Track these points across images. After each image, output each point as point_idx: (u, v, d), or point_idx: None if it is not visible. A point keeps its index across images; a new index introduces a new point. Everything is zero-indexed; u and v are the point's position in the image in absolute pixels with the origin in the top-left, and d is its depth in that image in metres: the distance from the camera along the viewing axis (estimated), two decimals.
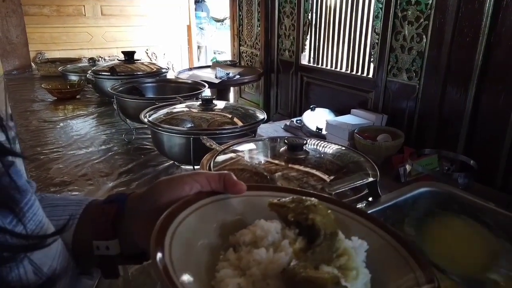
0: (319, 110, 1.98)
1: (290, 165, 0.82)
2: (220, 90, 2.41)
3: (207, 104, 1.27)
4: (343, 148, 1.01)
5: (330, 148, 1.01)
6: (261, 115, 1.30)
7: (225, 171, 0.50)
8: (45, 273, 0.40)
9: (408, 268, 0.43)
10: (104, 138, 1.65)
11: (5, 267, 0.34)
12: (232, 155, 0.89)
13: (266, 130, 1.97)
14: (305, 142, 0.88)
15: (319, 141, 1.05)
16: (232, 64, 2.68)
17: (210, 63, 3.57)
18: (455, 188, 0.77)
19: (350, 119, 1.73)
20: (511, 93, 1.27)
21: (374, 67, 1.78)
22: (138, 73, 2.06)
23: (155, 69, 2.13)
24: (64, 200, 0.52)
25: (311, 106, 1.96)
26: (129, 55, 2.21)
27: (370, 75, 1.83)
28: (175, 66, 4.26)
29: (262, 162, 0.86)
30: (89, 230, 0.48)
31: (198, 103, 1.33)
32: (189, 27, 4.57)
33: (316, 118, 1.90)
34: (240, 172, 0.81)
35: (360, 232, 0.48)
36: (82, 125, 1.83)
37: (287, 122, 1.97)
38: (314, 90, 2.25)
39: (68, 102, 2.24)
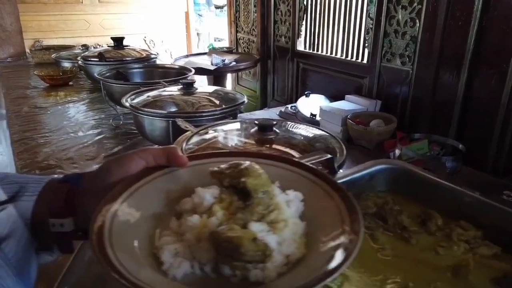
0: (314, 96, 1.99)
1: (260, 146, 0.84)
2: (216, 77, 2.41)
3: (187, 88, 1.29)
4: (314, 128, 1.05)
5: (301, 129, 1.04)
6: (241, 99, 1.31)
7: (171, 145, 0.54)
8: None
9: (339, 217, 0.46)
10: (93, 123, 1.69)
11: None
12: (207, 136, 0.92)
13: (262, 116, 1.97)
14: (274, 123, 0.91)
15: (290, 123, 1.08)
16: (228, 50, 2.67)
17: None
18: (412, 166, 0.79)
19: (344, 105, 1.73)
20: (502, 77, 1.27)
21: (369, 53, 1.77)
22: (127, 58, 2.08)
23: (144, 55, 2.14)
24: (25, 178, 0.55)
25: (305, 92, 1.97)
26: (118, 41, 2.23)
27: (365, 61, 1.83)
28: (174, 53, 4.25)
29: (236, 143, 0.88)
30: (45, 207, 0.51)
31: (180, 87, 1.35)
32: (187, 14, 4.54)
33: (311, 104, 1.90)
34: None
35: (300, 183, 0.52)
36: (73, 111, 1.87)
37: (282, 109, 1.97)
38: (310, 76, 2.25)
39: (61, 88, 2.28)
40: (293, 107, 1.92)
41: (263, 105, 2.72)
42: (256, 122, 0.91)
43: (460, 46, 1.36)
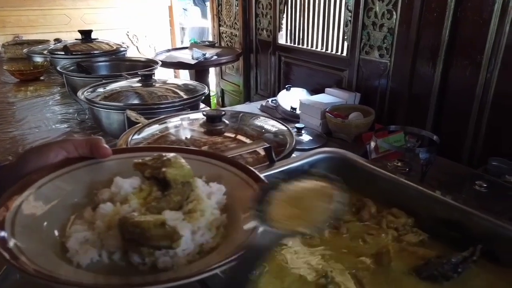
0: (294, 90, 1.98)
1: (210, 136, 0.84)
2: (199, 71, 2.39)
3: (146, 79, 1.27)
4: (270, 120, 1.06)
5: (256, 120, 1.05)
6: (202, 90, 1.30)
7: (94, 136, 0.54)
8: None
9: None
10: (59, 118, 1.67)
11: None
12: (158, 129, 0.91)
13: (243, 110, 1.96)
14: (223, 113, 0.92)
15: (247, 114, 1.08)
16: (210, 44, 2.64)
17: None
18: (352, 154, 0.79)
19: (324, 98, 1.73)
20: (477, 68, 1.28)
21: (348, 45, 1.77)
22: (94, 52, 2.05)
23: (114, 48, 2.11)
24: None
25: (286, 86, 1.96)
26: (85, 34, 2.20)
27: (344, 54, 1.83)
28: (157, 48, 4.19)
29: (186, 135, 0.88)
30: None
31: (139, 79, 1.34)
32: (170, 8, 4.49)
33: (292, 97, 1.90)
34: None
35: (224, 177, 0.56)
36: (40, 106, 1.84)
37: (263, 103, 1.96)
38: (292, 69, 2.24)
39: (31, 83, 2.24)
40: (273, 101, 1.91)
41: (247, 99, 2.70)
42: (204, 113, 0.91)
43: (435, 38, 1.37)
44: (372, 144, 1.26)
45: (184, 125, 0.97)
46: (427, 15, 1.38)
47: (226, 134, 0.90)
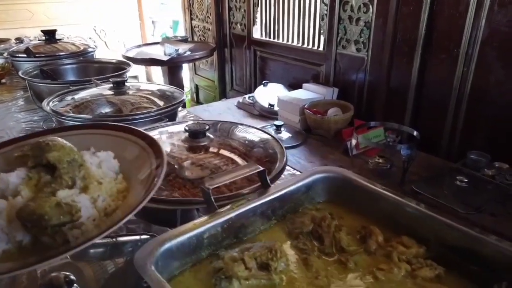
0: (272, 86, 1.94)
1: (194, 153, 0.79)
2: (171, 67, 2.31)
3: (118, 87, 1.19)
4: (255, 130, 0.99)
5: (241, 131, 0.98)
6: (180, 97, 1.22)
7: None
8: None
9: (148, 159, 0.56)
10: (23, 127, 1.54)
11: None
12: None
13: (219, 107, 1.91)
14: (207, 128, 0.84)
15: (229, 124, 1.02)
16: (183, 39, 2.56)
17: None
18: (352, 174, 0.73)
19: (302, 93, 1.70)
20: (453, 61, 1.28)
21: (324, 40, 1.74)
22: (60, 53, 1.92)
23: (81, 49, 1.98)
24: None
25: (263, 82, 1.92)
26: (49, 34, 2.05)
27: (321, 48, 1.80)
28: (127, 43, 4.04)
29: (168, 150, 0.82)
30: None
31: (110, 86, 1.25)
32: (139, 1, 4.33)
33: (269, 93, 1.86)
34: None
35: (112, 143, 0.59)
36: (2, 113, 1.69)
37: (240, 99, 1.91)
38: (268, 64, 2.20)
39: None
40: (251, 98, 1.87)
41: (222, 95, 2.64)
42: (186, 128, 0.84)
43: (412, 32, 1.36)
44: (353, 141, 1.24)
45: (163, 140, 0.89)
46: (403, 9, 1.37)
47: (212, 149, 0.83)
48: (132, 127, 0.62)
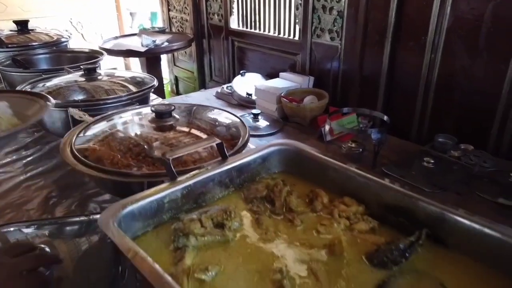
0: (249, 75, 1.96)
1: (161, 132, 0.82)
2: (150, 58, 2.30)
3: (89, 73, 1.21)
4: (221, 112, 1.03)
5: (208, 113, 1.03)
6: (151, 82, 1.25)
7: None
8: None
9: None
10: None
11: None
12: (107, 126, 0.88)
13: (198, 98, 1.92)
14: (172, 108, 0.88)
15: (193, 106, 1.05)
16: (160, 30, 2.54)
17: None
18: (305, 146, 0.80)
19: (278, 82, 1.73)
20: (422, 48, 1.32)
21: (300, 29, 1.77)
22: (33, 43, 1.90)
23: (55, 39, 1.97)
24: None
25: (241, 72, 1.93)
26: (22, 25, 2.03)
27: (297, 37, 1.82)
28: (104, 35, 3.98)
29: (136, 131, 0.85)
30: None
31: (82, 73, 1.27)
32: None
33: (247, 83, 1.88)
34: (118, 144, 0.79)
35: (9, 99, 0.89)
36: None
37: (219, 89, 1.93)
38: (246, 54, 2.22)
39: None
40: (229, 87, 1.89)
41: (202, 86, 2.65)
42: (152, 108, 0.88)
43: (382, 20, 1.39)
44: (327, 127, 1.28)
45: (134, 121, 0.92)
46: None
47: (179, 128, 0.87)
48: (22, 90, 0.83)
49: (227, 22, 2.24)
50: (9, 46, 1.83)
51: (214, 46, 2.46)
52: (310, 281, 0.53)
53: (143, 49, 2.13)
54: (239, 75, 1.94)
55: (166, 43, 2.26)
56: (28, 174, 1.09)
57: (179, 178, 0.65)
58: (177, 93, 3.01)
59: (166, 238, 0.60)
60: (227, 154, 0.72)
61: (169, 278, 0.43)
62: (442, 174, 1.13)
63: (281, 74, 1.80)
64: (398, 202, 0.64)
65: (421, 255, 0.57)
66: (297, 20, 1.79)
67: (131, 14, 5.20)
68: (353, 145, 1.29)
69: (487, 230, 0.54)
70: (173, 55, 2.87)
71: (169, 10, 2.79)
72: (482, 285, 0.52)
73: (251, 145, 0.87)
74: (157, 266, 0.45)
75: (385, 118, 1.23)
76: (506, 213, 0.94)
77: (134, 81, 1.25)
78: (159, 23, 4.27)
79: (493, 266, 0.54)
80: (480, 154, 1.18)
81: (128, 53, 2.22)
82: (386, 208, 0.65)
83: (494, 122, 1.21)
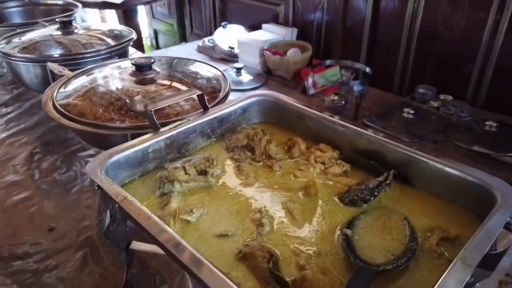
0: (232, 27, 1.91)
1: (141, 85, 0.82)
2: (126, 11, 2.20)
3: (66, 27, 1.18)
4: (202, 64, 1.03)
5: (188, 66, 1.02)
6: (130, 35, 1.23)
7: None
8: None
9: None
10: None
11: None
12: (87, 81, 0.87)
13: (178, 52, 1.88)
14: (152, 61, 0.88)
15: (174, 59, 1.05)
16: None
17: None
18: (284, 96, 0.83)
19: (261, 35, 1.70)
20: None
21: None
22: None
23: None
24: None
25: (222, 24, 1.88)
26: None
27: None
28: None
29: (116, 85, 0.84)
30: None
31: (57, 26, 1.23)
32: None
33: (229, 36, 1.84)
34: (99, 99, 0.79)
35: None
36: None
37: (200, 43, 1.88)
38: (228, 5, 2.14)
39: None
40: (210, 41, 1.84)
41: (182, 39, 2.58)
42: (132, 61, 0.87)
43: None
44: (310, 80, 1.28)
45: (114, 75, 0.91)
46: None
47: (160, 81, 0.86)
48: None
49: None
50: None
51: None
52: (287, 219, 0.57)
53: (119, 1, 2.04)
54: (221, 27, 1.89)
55: None
56: (11, 131, 1.09)
57: (162, 129, 0.67)
58: (157, 47, 2.93)
59: (152, 185, 0.63)
60: (208, 105, 0.73)
61: (156, 218, 0.46)
62: (421, 124, 1.17)
63: (264, 25, 1.77)
64: (369, 147, 0.68)
65: (389, 193, 0.62)
66: None
67: None
68: (335, 97, 1.30)
69: (448, 169, 0.58)
70: (151, 6, 2.76)
71: None
72: (441, 217, 0.57)
73: (233, 98, 0.88)
74: (144, 208, 0.48)
75: (368, 69, 1.24)
76: (480, 160, 0.98)
77: (112, 34, 1.22)
78: None
79: (452, 201, 0.59)
80: (459, 104, 1.21)
81: (104, 5, 2.12)
82: (358, 152, 0.70)
83: (473, 72, 1.23)
